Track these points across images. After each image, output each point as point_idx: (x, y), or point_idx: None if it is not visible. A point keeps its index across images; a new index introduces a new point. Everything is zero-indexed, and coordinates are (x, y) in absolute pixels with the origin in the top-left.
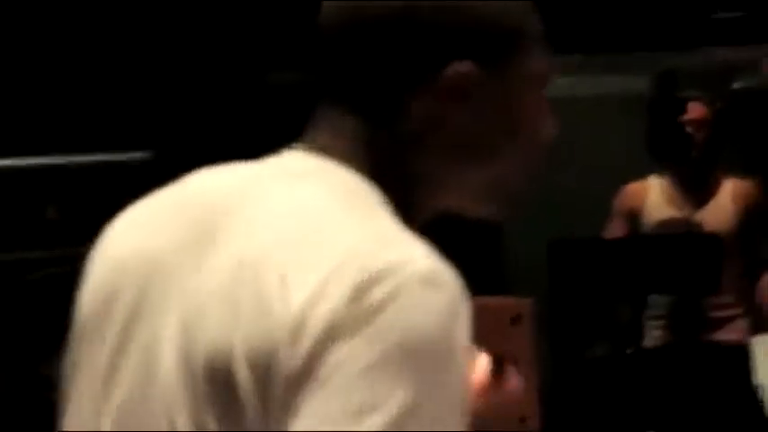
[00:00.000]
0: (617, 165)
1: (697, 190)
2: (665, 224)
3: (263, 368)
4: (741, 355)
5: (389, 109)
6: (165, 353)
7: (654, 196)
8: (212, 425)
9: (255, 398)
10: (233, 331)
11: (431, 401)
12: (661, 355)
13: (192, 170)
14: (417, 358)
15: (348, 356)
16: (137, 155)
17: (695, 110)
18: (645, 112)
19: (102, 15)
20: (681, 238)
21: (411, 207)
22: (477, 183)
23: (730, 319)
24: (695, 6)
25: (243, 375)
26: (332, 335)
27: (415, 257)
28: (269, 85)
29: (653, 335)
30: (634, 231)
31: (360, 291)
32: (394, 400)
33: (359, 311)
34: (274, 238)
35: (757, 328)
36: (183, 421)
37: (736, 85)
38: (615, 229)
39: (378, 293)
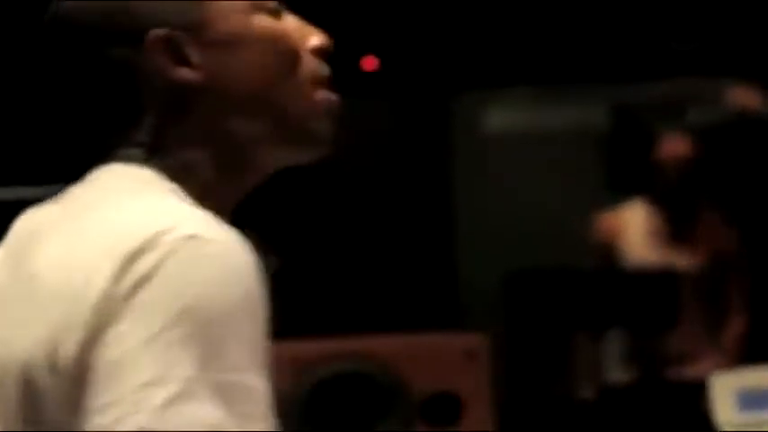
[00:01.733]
0: (572, 198)
1: (677, 227)
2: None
3: (55, 365)
4: (701, 394)
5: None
6: None
7: (633, 231)
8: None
9: (58, 399)
10: (29, 334)
11: (221, 359)
12: (621, 394)
13: None
14: (196, 320)
15: (126, 333)
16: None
17: (673, 144)
18: (603, 146)
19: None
20: (637, 275)
21: (217, 184)
22: (264, 129)
23: (696, 356)
24: (650, 38)
25: (43, 376)
26: (107, 312)
27: (182, 222)
28: None
29: (613, 372)
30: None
31: (127, 262)
32: (180, 368)
33: (129, 284)
34: (61, 242)
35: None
36: None
37: (691, 119)
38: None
39: (145, 263)
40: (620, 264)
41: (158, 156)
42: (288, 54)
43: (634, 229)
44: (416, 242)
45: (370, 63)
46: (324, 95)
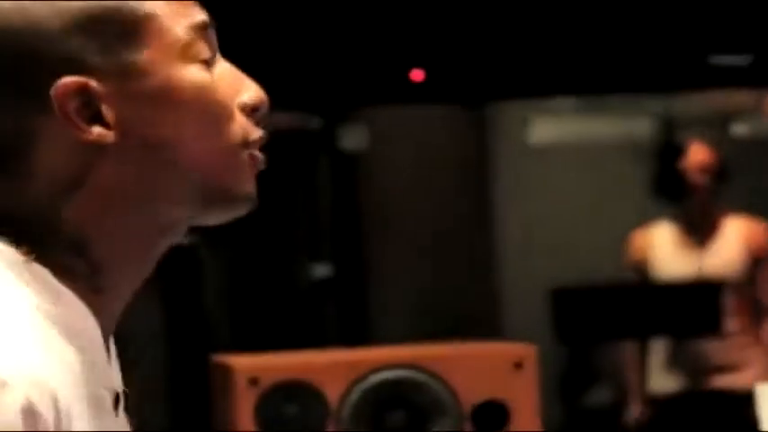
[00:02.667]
0: (614, 211)
1: (702, 232)
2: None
3: None
4: (747, 403)
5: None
6: None
7: (660, 243)
8: None
9: None
10: None
11: None
12: (667, 404)
13: None
14: None
15: None
16: None
17: (699, 153)
18: (647, 157)
19: None
20: (680, 287)
21: (121, 264)
22: (178, 188)
23: (740, 363)
24: (693, 50)
25: None
26: None
27: None
28: None
29: (658, 382)
30: (645, 280)
31: None
32: None
33: None
34: None
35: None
36: None
37: (736, 130)
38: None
39: None
40: (654, 278)
41: (43, 235)
42: (217, 117)
43: (662, 244)
44: (457, 253)
45: (417, 75)
46: (247, 157)
